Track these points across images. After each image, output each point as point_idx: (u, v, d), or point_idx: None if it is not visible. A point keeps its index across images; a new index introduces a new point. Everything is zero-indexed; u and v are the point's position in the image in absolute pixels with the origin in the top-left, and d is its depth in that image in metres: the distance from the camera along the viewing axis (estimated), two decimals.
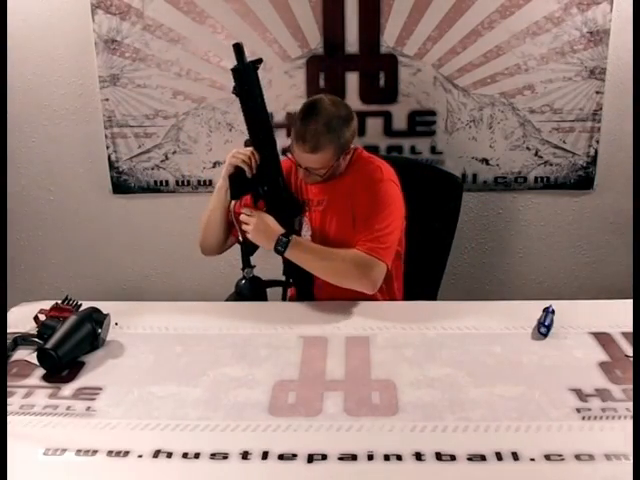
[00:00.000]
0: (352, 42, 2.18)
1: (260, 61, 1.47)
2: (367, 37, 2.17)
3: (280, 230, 1.55)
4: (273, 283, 1.74)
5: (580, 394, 1.16)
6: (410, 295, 1.76)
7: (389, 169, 1.64)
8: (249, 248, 1.63)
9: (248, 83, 1.46)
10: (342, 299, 1.58)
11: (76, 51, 2.25)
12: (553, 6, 2.11)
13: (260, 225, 1.54)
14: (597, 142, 2.26)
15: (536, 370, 1.26)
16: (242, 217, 1.57)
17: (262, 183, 1.57)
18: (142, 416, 1.13)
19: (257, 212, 1.56)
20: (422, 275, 1.83)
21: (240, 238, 1.64)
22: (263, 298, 1.71)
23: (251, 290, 1.65)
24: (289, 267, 1.67)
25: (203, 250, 1.74)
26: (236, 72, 1.45)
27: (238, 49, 1.44)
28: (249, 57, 1.47)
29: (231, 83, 1.46)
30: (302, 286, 1.70)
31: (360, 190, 1.59)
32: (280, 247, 1.53)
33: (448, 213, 1.89)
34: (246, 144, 1.61)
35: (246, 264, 1.65)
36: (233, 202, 1.63)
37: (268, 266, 1.68)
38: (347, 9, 2.14)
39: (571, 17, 2.12)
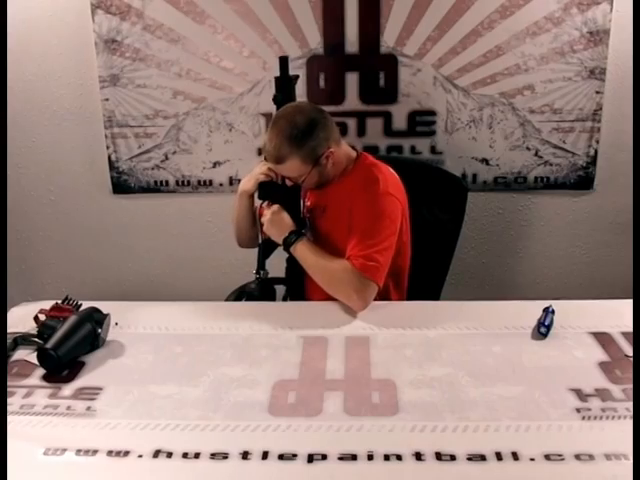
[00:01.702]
0: (352, 42, 2.18)
1: (297, 77, 1.63)
2: (367, 37, 2.17)
3: (292, 227, 1.60)
4: (280, 281, 1.76)
5: (580, 394, 1.16)
6: (413, 296, 1.75)
7: (391, 180, 1.62)
8: (267, 250, 1.68)
9: (287, 93, 1.58)
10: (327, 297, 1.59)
11: (76, 51, 2.25)
12: (553, 6, 2.11)
13: (275, 217, 1.60)
14: (597, 142, 2.27)
15: (536, 370, 1.26)
16: (263, 210, 1.64)
17: (285, 191, 1.64)
18: (142, 416, 1.13)
19: (277, 206, 1.62)
20: (425, 277, 1.82)
21: (260, 239, 1.68)
22: (272, 300, 1.73)
23: (262, 292, 1.68)
24: (289, 266, 1.70)
25: (240, 245, 1.84)
26: (279, 81, 1.58)
27: (284, 61, 1.57)
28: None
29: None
30: (294, 284, 1.72)
31: (357, 198, 1.58)
32: (288, 242, 1.58)
33: (452, 216, 1.88)
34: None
35: (261, 266, 1.68)
36: (259, 203, 1.69)
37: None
38: (347, 9, 2.14)
39: (571, 17, 2.12)
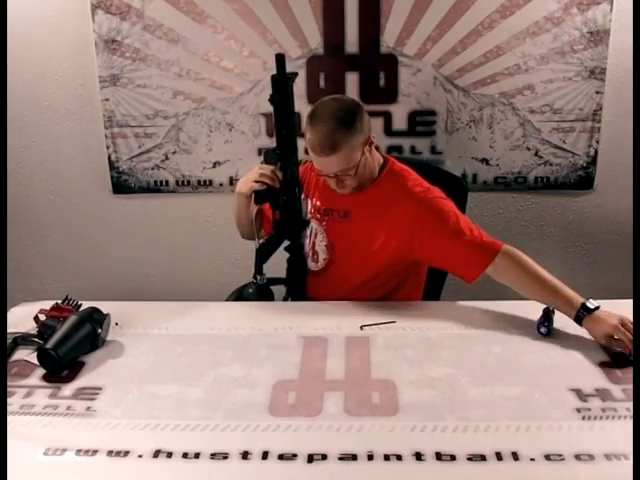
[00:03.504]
0: (352, 42, 2.18)
1: (296, 74, 1.56)
2: (367, 37, 2.17)
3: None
4: (276, 281, 1.74)
5: (580, 394, 1.16)
6: None
7: (428, 184, 1.59)
8: (264, 255, 1.65)
9: (283, 92, 1.52)
10: (334, 299, 1.60)
11: (76, 51, 2.25)
12: (553, 6, 2.11)
13: None
14: (597, 142, 2.27)
15: (536, 370, 1.26)
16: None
17: (282, 193, 1.61)
18: (142, 416, 1.13)
19: None
20: (426, 277, 1.82)
21: (258, 244, 1.65)
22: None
23: (259, 297, 1.67)
24: (290, 267, 1.69)
25: (243, 237, 1.82)
26: (275, 80, 1.52)
27: (280, 60, 1.51)
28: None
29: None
30: (296, 285, 1.71)
31: (425, 218, 1.53)
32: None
33: None
34: (265, 157, 1.61)
35: (258, 271, 1.66)
36: (255, 206, 1.68)
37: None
38: (347, 9, 2.15)
39: (571, 17, 2.12)
